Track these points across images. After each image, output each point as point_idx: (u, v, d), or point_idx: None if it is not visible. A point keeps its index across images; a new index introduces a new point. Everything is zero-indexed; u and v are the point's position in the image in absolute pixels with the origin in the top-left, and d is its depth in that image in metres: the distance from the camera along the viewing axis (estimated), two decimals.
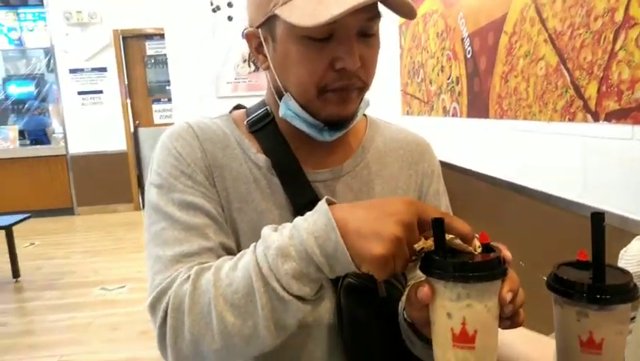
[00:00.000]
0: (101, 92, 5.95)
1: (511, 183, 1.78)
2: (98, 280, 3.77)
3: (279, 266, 0.52)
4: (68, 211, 6.09)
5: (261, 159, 0.70)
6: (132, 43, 6.01)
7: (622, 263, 0.70)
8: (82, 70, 5.88)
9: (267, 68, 0.68)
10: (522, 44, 1.63)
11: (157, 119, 6.22)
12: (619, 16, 1.15)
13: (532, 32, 1.55)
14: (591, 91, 1.28)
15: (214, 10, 3.52)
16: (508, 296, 0.47)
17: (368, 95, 0.71)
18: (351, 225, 0.51)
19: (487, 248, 0.48)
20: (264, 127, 0.72)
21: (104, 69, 5.90)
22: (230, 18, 3.54)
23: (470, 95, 2.12)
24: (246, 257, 0.56)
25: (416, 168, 0.78)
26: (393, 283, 0.70)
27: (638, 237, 0.85)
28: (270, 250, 0.53)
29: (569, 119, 1.39)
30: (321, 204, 0.54)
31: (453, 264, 0.45)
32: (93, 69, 5.89)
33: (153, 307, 0.60)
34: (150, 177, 0.68)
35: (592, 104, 1.28)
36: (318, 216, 0.53)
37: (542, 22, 1.49)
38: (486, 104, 1.95)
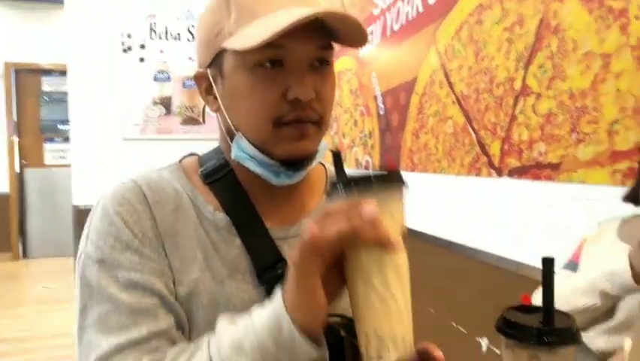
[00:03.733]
0: None
1: (420, 232, 1.87)
2: None
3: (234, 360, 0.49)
4: None
5: (220, 218, 0.63)
6: (26, 78, 5.55)
7: None
8: None
9: (218, 109, 0.64)
10: (432, 104, 1.77)
11: (49, 160, 5.71)
12: (517, 85, 1.31)
13: (442, 94, 1.70)
14: (495, 149, 1.41)
15: (125, 51, 3.39)
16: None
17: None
18: (290, 301, 0.48)
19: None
20: (220, 178, 0.65)
21: None
22: (142, 59, 3.43)
23: (382, 149, 2.24)
24: (198, 353, 0.52)
25: None
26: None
27: None
28: (224, 342, 0.50)
29: (476, 174, 1.51)
30: (277, 290, 0.50)
31: (352, 179, 0.47)
32: None
33: None
34: (87, 248, 0.59)
35: (496, 161, 1.41)
36: (272, 304, 0.50)
37: (450, 85, 1.64)
38: (398, 157, 2.06)
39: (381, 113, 2.23)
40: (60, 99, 5.58)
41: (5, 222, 5.49)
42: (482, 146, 1.47)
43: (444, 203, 1.74)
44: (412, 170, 1.94)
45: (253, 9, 0.58)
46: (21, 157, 5.61)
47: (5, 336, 3.28)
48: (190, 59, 3.54)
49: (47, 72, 5.57)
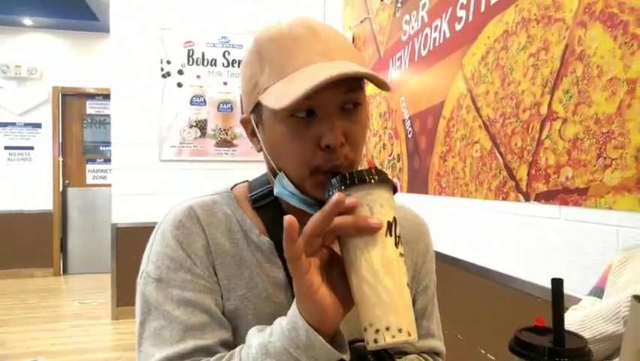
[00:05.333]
0: (31, 148, 5.65)
1: (448, 256, 1.87)
2: (3, 353, 3.36)
3: None
4: None
5: (264, 241, 0.69)
6: (71, 101, 5.86)
7: None
8: (13, 124, 5.60)
9: (260, 149, 0.68)
10: (459, 128, 1.79)
11: (90, 180, 5.95)
12: (544, 110, 1.31)
13: (468, 118, 1.71)
14: (522, 173, 1.41)
15: (164, 76, 3.56)
16: None
17: None
18: (297, 297, 0.52)
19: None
20: (266, 205, 0.71)
21: (38, 125, 5.65)
22: (179, 85, 3.59)
23: (411, 172, 2.25)
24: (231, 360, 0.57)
25: (413, 246, 0.79)
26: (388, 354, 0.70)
27: (572, 307, 0.92)
28: (251, 348, 0.55)
29: (503, 198, 1.51)
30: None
31: (336, 178, 0.53)
32: (26, 124, 5.63)
33: None
34: (147, 267, 0.65)
35: (523, 185, 1.41)
36: (290, 309, 0.54)
37: (477, 110, 1.66)
38: (425, 181, 2.07)
39: (410, 136, 2.26)
40: (102, 122, 5.85)
41: (48, 239, 5.73)
42: (509, 170, 1.47)
43: (471, 227, 1.73)
44: (440, 193, 1.94)
45: (283, 65, 0.62)
46: (64, 177, 5.88)
47: (40, 350, 3.41)
48: (225, 83, 3.67)
49: (91, 96, 5.86)
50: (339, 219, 0.50)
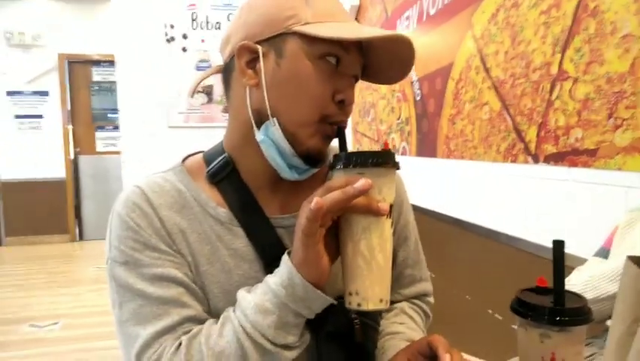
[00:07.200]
0: (40, 116, 5.68)
1: (456, 219, 1.88)
2: (27, 316, 3.49)
3: (261, 322, 0.56)
4: None
5: (222, 212, 0.68)
6: (78, 68, 5.83)
7: None
8: (21, 92, 5.61)
9: (256, 84, 0.64)
10: (468, 90, 1.76)
11: (100, 147, 6.00)
12: (554, 69, 1.28)
13: (477, 80, 1.68)
14: (531, 135, 1.39)
15: (168, 41, 3.51)
16: (447, 358, 0.56)
17: None
18: (299, 260, 0.56)
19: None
20: (224, 177, 0.69)
21: (45, 93, 5.66)
22: (184, 49, 3.54)
23: (419, 135, 2.24)
24: (228, 323, 0.59)
25: None
26: (369, 324, 0.73)
27: (577, 268, 0.93)
28: (248, 309, 0.57)
29: (512, 161, 1.50)
30: (284, 256, 0.59)
31: (351, 155, 0.56)
32: (34, 92, 5.63)
33: None
34: (111, 254, 0.64)
35: (532, 147, 1.39)
36: (282, 268, 0.58)
37: (486, 70, 1.63)
38: (434, 144, 2.06)
39: (418, 99, 2.23)
40: (109, 88, 5.84)
41: (63, 206, 5.84)
42: (518, 132, 1.46)
43: (480, 190, 1.73)
44: (449, 156, 1.93)
45: (334, 13, 0.64)
46: (75, 145, 5.93)
47: (61, 313, 3.54)
48: None
49: (97, 63, 5.83)
50: (354, 199, 0.53)
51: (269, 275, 0.60)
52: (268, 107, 0.63)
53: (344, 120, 0.65)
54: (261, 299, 0.57)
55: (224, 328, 0.59)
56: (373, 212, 0.54)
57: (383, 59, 0.65)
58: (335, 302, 0.59)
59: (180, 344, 0.59)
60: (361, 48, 0.64)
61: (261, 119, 0.64)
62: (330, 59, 0.62)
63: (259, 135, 0.64)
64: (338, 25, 0.62)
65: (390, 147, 2.62)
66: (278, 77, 0.63)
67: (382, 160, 0.55)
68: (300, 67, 0.62)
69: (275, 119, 0.63)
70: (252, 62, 0.64)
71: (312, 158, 0.65)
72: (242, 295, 0.60)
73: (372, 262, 0.55)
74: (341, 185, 0.53)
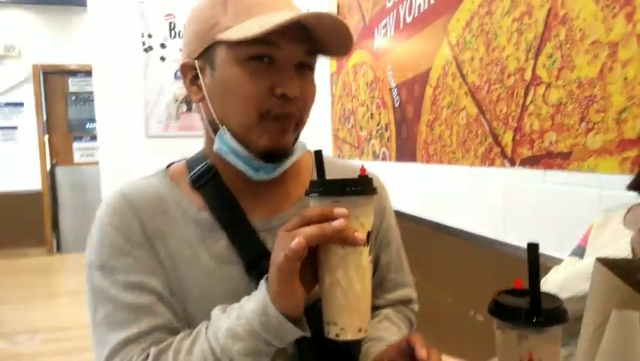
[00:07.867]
0: (15, 128, 5.56)
1: (437, 223, 1.90)
2: (3, 331, 3.40)
3: (231, 347, 0.56)
4: None
5: (203, 216, 0.68)
6: (54, 79, 5.73)
7: None
8: None
9: (201, 99, 0.67)
10: (445, 96, 1.79)
11: (77, 158, 5.89)
12: (528, 75, 1.32)
13: (454, 86, 1.71)
14: (507, 139, 1.42)
15: (146, 50, 3.48)
16: (423, 352, 0.56)
17: (301, 139, 0.72)
18: (273, 293, 0.55)
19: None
20: (207, 182, 0.70)
21: (20, 104, 5.54)
22: (162, 58, 3.52)
23: (399, 141, 2.26)
24: (199, 342, 0.58)
25: None
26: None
27: (554, 268, 0.95)
28: (219, 331, 0.57)
29: (489, 164, 1.53)
30: (262, 282, 0.58)
31: (328, 182, 0.55)
32: (7, 104, 5.52)
33: None
34: (89, 258, 0.65)
35: (508, 150, 1.42)
36: (258, 294, 0.57)
37: (463, 77, 1.66)
38: (413, 149, 2.09)
39: (397, 105, 2.25)
40: (86, 99, 5.76)
41: (39, 217, 5.71)
42: (495, 136, 1.49)
43: (459, 194, 1.76)
44: (428, 161, 1.96)
45: (250, 8, 0.63)
46: (51, 156, 5.81)
47: (38, 326, 3.45)
48: None
49: (74, 73, 5.74)
50: (331, 235, 0.52)
51: (245, 298, 0.59)
52: (215, 117, 0.65)
53: (292, 113, 0.64)
54: (234, 324, 0.56)
55: (195, 346, 0.58)
56: (349, 242, 0.53)
57: (323, 35, 0.64)
58: (309, 335, 0.58)
59: (148, 355, 0.59)
60: (300, 33, 0.62)
61: (215, 130, 0.67)
62: (259, 58, 0.61)
63: (215, 145, 0.66)
64: (253, 21, 0.61)
65: (370, 153, 2.65)
66: (216, 88, 0.65)
67: (359, 188, 0.54)
68: (229, 73, 0.63)
69: (224, 127, 0.65)
70: (195, 78, 0.67)
71: (272, 155, 0.65)
72: (216, 315, 0.59)
73: (350, 293, 0.54)
74: (317, 214, 0.53)
